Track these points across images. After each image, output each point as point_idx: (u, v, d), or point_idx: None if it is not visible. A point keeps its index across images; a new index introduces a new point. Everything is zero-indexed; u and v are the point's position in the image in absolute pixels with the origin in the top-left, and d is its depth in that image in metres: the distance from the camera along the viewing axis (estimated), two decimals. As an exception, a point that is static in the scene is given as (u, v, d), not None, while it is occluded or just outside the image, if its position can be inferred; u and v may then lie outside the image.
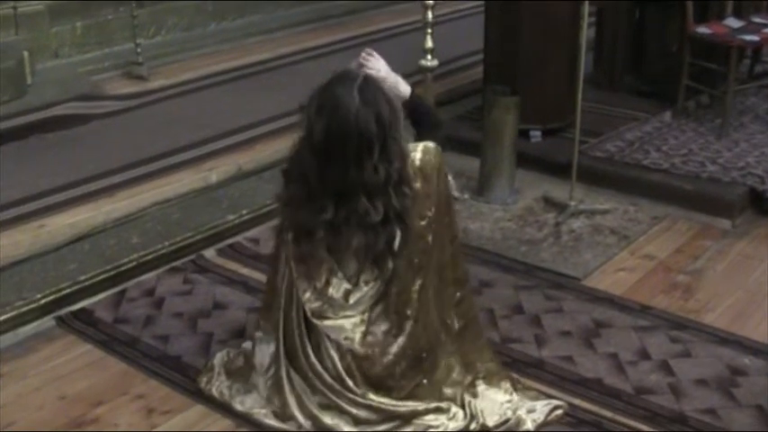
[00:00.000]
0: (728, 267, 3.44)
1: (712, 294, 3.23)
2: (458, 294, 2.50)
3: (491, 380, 2.58)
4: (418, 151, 2.32)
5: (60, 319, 3.08)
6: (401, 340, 2.38)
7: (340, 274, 2.34)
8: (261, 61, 5.75)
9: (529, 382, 2.67)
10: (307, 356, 2.42)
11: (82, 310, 3.14)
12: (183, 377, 2.74)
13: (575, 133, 3.80)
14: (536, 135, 4.29)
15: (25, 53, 4.99)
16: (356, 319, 2.36)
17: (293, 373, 2.45)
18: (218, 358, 2.71)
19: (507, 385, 2.59)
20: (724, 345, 2.89)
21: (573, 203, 3.81)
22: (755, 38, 4.37)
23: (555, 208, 3.87)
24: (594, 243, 3.59)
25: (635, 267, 3.43)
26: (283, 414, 2.46)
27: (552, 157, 4.15)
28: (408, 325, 2.38)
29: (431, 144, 2.34)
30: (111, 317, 3.09)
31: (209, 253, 3.55)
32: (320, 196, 2.19)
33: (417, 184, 2.27)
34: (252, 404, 2.51)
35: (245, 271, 3.39)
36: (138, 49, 5.37)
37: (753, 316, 3.07)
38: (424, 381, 2.44)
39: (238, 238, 3.65)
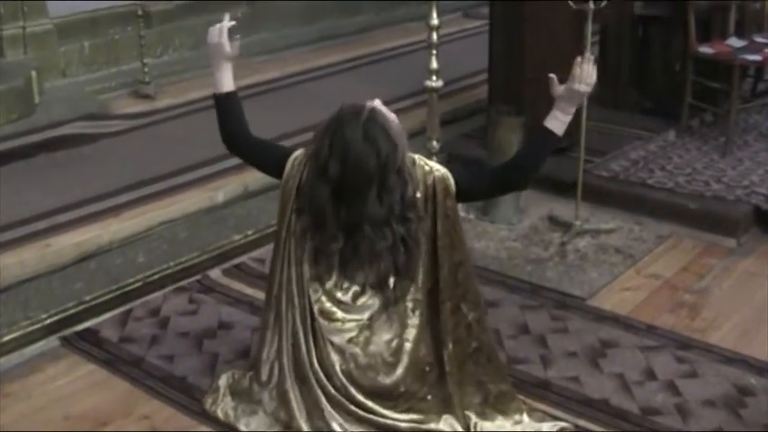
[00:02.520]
0: (734, 285, 3.44)
1: (718, 313, 3.22)
2: (471, 315, 2.50)
3: (502, 401, 2.58)
4: (427, 168, 2.39)
5: (65, 339, 3.09)
6: (404, 351, 2.40)
7: (348, 281, 2.40)
8: (268, 80, 5.77)
9: (535, 404, 2.67)
10: (311, 365, 2.42)
11: (87, 329, 3.14)
12: (189, 398, 2.74)
13: (579, 152, 3.81)
14: (541, 154, 4.29)
15: (33, 72, 5.03)
16: (362, 323, 2.40)
17: (302, 385, 2.45)
18: (224, 379, 2.70)
19: (519, 406, 2.60)
20: (730, 364, 2.88)
21: (578, 223, 3.82)
22: (757, 57, 4.39)
23: (560, 227, 3.87)
24: (600, 262, 3.59)
25: (640, 286, 3.43)
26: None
27: (557, 177, 4.14)
28: (410, 336, 2.41)
29: (442, 170, 2.40)
30: (116, 336, 3.10)
31: (215, 273, 3.55)
32: (333, 227, 2.31)
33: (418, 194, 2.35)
34: (257, 425, 2.51)
35: (250, 291, 3.39)
36: (146, 69, 5.40)
37: (759, 334, 3.06)
38: (429, 396, 2.45)
39: (244, 258, 3.66)
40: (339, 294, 2.40)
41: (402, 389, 2.41)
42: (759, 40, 4.60)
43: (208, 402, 2.65)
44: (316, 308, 2.40)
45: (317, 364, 2.42)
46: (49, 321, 3.09)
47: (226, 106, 2.56)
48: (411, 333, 2.41)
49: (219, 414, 2.60)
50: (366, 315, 2.40)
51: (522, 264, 3.60)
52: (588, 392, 2.74)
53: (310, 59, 6.25)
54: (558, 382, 2.80)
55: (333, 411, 2.40)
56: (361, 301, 2.41)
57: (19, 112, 4.76)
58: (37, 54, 5.33)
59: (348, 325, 2.39)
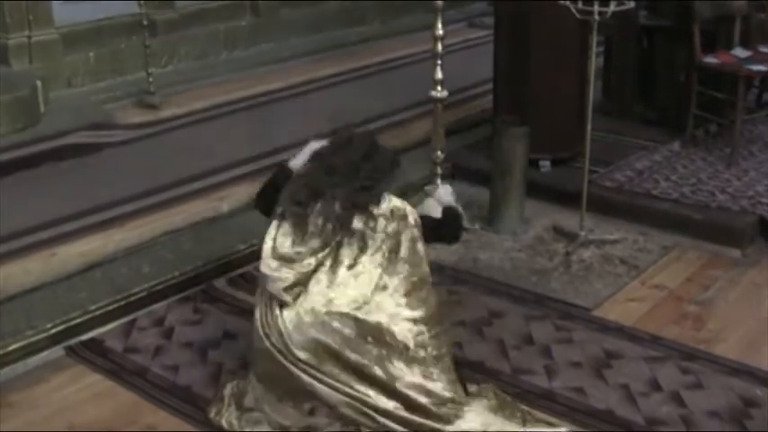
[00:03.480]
0: (739, 297, 3.43)
1: (723, 324, 3.22)
2: (432, 331, 2.56)
3: (503, 409, 2.59)
4: (395, 200, 2.64)
5: (70, 349, 3.09)
6: (340, 308, 2.45)
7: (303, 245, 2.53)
8: (272, 90, 5.79)
9: (539, 414, 2.66)
10: (267, 326, 2.50)
11: (92, 339, 3.14)
12: (193, 407, 2.74)
13: (584, 163, 3.80)
14: (545, 165, 4.30)
15: (39, 82, 5.05)
16: (299, 276, 2.49)
17: (264, 357, 2.51)
18: (228, 389, 2.71)
19: (518, 416, 2.59)
20: (736, 375, 2.88)
21: (583, 233, 3.81)
22: (763, 67, 4.39)
23: (565, 238, 3.87)
24: (605, 273, 3.59)
25: (645, 297, 3.42)
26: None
27: (562, 187, 4.15)
28: (346, 299, 2.48)
29: (401, 202, 2.66)
30: (120, 346, 3.10)
31: (220, 283, 3.56)
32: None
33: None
34: (261, 435, 2.52)
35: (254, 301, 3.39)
36: (150, 78, 5.42)
37: (764, 346, 3.05)
38: (376, 368, 2.45)
39: (248, 268, 3.65)
40: (284, 251, 2.52)
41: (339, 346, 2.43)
42: (764, 50, 4.60)
43: (212, 412, 2.66)
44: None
45: (269, 326, 2.49)
46: (53, 331, 3.09)
47: (285, 178, 2.76)
48: (350, 297, 2.47)
49: (224, 424, 2.60)
50: (303, 270, 2.49)
51: (527, 274, 3.59)
52: (593, 403, 2.74)
53: (315, 69, 6.26)
54: (563, 392, 2.79)
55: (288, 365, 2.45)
56: (301, 258, 2.51)
57: (24, 122, 4.78)
58: (42, 64, 5.35)
59: (284, 274, 2.49)
